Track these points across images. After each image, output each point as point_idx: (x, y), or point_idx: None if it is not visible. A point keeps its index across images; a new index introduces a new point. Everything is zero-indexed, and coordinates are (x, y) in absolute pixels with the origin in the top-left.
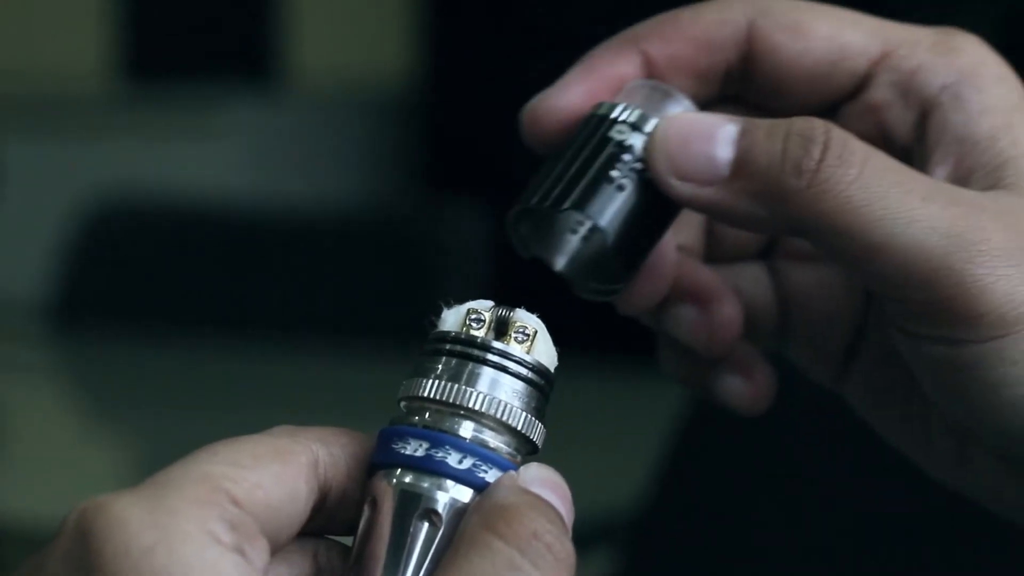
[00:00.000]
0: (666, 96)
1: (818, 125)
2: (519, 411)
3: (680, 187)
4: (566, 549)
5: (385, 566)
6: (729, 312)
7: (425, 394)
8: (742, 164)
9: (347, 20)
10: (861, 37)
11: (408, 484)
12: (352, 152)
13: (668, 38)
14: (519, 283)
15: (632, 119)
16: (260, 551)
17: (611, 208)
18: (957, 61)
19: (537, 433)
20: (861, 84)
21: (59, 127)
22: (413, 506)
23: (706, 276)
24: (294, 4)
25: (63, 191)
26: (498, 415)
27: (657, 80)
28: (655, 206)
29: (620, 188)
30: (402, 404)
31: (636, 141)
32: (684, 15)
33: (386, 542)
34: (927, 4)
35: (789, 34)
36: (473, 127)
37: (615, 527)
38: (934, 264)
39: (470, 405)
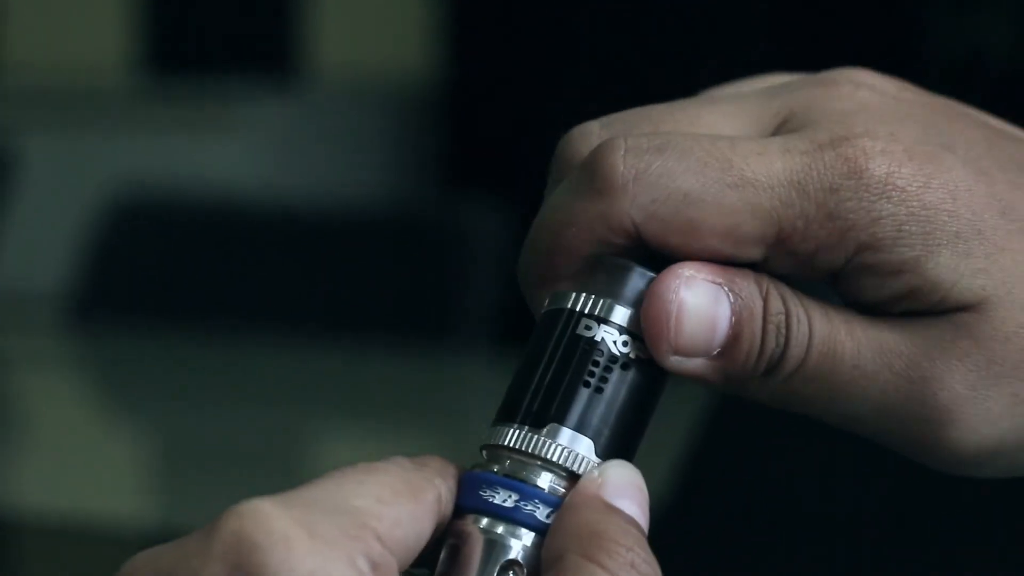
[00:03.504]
0: (627, 272)
1: (782, 308)
2: (588, 462)
3: (672, 361)
4: (657, 573)
5: None
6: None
7: (506, 443)
8: (730, 346)
9: (367, 15)
10: (757, 226)
11: (498, 535)
12: (372, 147)
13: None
14: None
15: (600, 312)
16: None
17: (590, 413)
18: (851, 235)
19: None
20: (765, 261)
21: (79, 120)
22: (499, 555)
23: None
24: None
25: (83, 184)
26: (573, 467)
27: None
28: (640, 389)
29: (598, 391)
30: (484, 452)
31: (606, 335)
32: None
33: None
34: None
35: (682, 238)
36: (493, 122)
37: None
38: (875, 432)
39: (548, 457)
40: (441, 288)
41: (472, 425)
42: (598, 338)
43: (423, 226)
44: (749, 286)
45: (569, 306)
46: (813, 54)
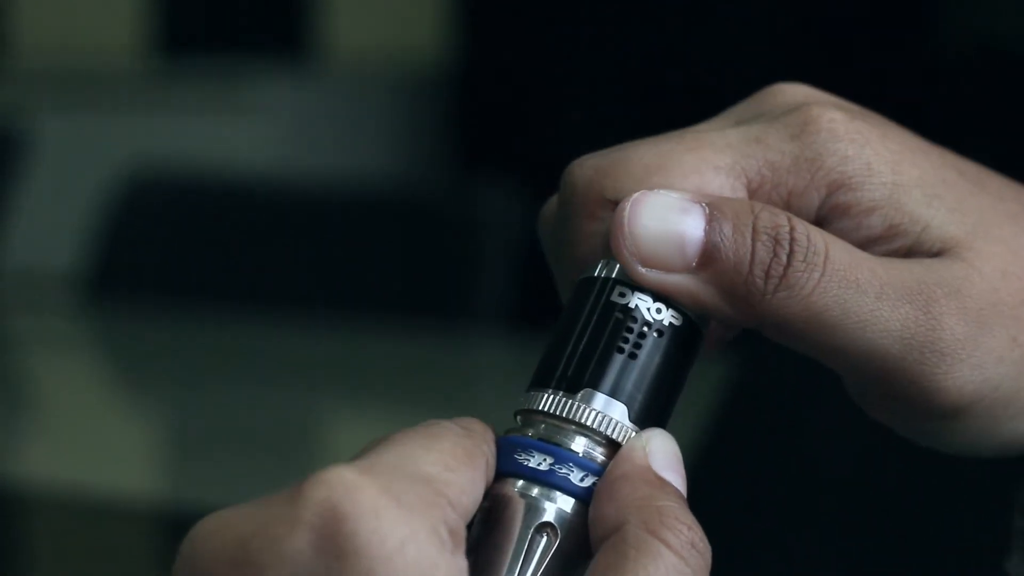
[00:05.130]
0: None
1: (783, 222)
2: (624, 427)
3: (646, 275)
4: (709, 550)
5: (507, 570)
6: None
7: (541, 408)
8: (709, 256)
9: None
10: (723, 181)
11: (532, 497)
12: (385, 129)
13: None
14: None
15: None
16: (463, 554)
17: (624, 379)
18: (821, 174)
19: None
20: None
21: (93, 101)
22: (533, 518)
23: None
24: None
25: (96, 165)
26: (608, 432)
27: None
28: (673, 357)
29: (632, 356)
30: (518, 417)
31: (640, 302)
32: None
33: (505, 549)
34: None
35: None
36: (506, 104)
37: None
38: (889, 364)
39: (583, 421)
40: (454, 270)
41: (486, 407)
42: (632, 305)
43: (436, 208)
44: (732, 202)
45: (602, 274)
46: (825, 46)
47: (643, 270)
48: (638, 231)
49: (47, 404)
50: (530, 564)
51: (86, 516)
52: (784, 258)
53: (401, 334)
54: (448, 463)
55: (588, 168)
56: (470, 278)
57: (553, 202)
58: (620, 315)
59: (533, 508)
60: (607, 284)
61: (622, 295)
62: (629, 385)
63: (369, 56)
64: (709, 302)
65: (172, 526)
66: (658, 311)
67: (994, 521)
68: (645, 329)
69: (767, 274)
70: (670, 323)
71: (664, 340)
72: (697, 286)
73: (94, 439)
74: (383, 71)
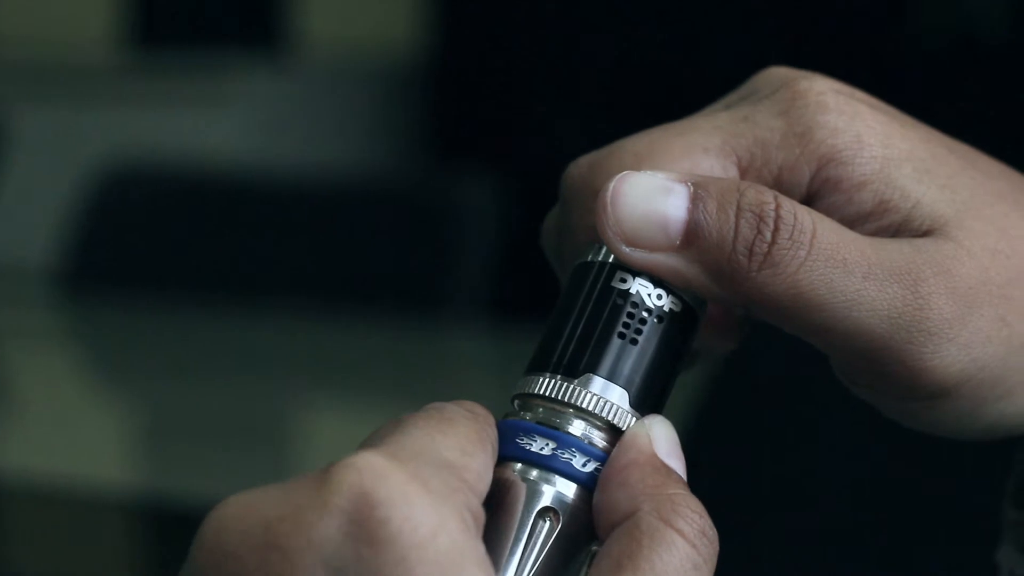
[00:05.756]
0: None
1: (769, 199)
2: (624, 412)
3: (631, 255)
4: (717, 538)
5: (509, 554)
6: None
7: (540, 391)
8: (693, 234)
9: None
10: (714, 163)
11: (534, 482)
12: (361, 121)
13: None
14: (526, 251)
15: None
16: (482, 540)
17: (625, 364)
18: (811, 148)
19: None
20: None
21: (68, 94)
22: (535, 502)
23: None
24: None
25: (72, 157)
26: (608, 417)
27: None
28: (672, 343)
29: (633, 342)
30: (515, 401)
31: (641, 288)
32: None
33: (508, 534)
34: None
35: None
36: (483, 95)
37: None
38: (875, 344)
39: (583, 405)
40: (431, 260)
41: (464, 396)
42: (633, 290)
43: (414, 200)
44: (718, 181)
45: (601, 259)
46: (803, 37)
47: (627, 250)
48: (620, 211)
49: (22, 396)
50: (533, 548)
51: (61, 507)
52: (768, 236)
53: (378, 324)
54: (465, 447)
55: (583, 165)
56: (447, 268)
57: (554, 213)
58: (620, 301)
59: (535, 492)
60: (604, 269)
61: (623, 280)
62: (628, 370)
63: (344, 48)
64: (695, 281)
65: (147, 517)
66: (659, 297)
67: (985, 512)
68: (645, 315)
69: (751, 252)
70: (670, 309)
71: (664, 326)
72: (682, 265)
73: (70, 431)
74: (358, 63)
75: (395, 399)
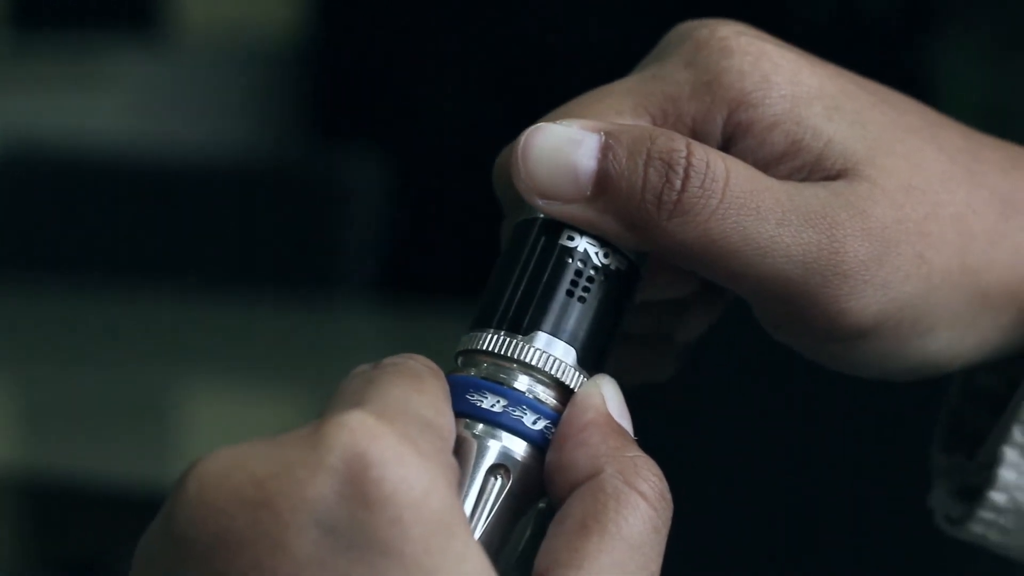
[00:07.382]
0: None
1: (680, 147)
2: (571, 369)
3: (546, 206)
4: (671, 502)
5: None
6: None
7: (484, 347)
8: (603, 184)
9: None
10: (628, 118)
11: (484, 439)
12: (243, 101)
13: None
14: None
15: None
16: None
17: (571, 322)
18: (720, 94)
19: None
20: None
21: None
22: (485, 459)
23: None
24: None
25: None
26: (553, 372)
27: None
28: (617, 301)
29: (581, 300)
30: (459, 358)
31: (589, 246)
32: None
33: (459, 490)
34: None
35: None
36: (363, 74)
37: None
38: (791, 289)
39: (529, 361)
40: (317, 239)
41: None
42: (581, 248)
43: (297, 180)
44: (631, 129)
45: (535, 214)
46: (683, 8)
47: (542, 202)
48: (531, 164)
49: None
50: (484, 505)
51: None
52: (678, 184)
53: (264, 304)
54: (438, 406)
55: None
56: (331, 248)
57: (505, 153)
58: (568, 258)
59: (484, 449)
60: (548, 226)
61: (570, 238)
62: (574, 327)
63: (224, 29)
64: (608, 230)
65: (24, 495)
66: (605, 255)
67: (919, 457)
68: (592, 273)
69: (660, 200)
70: (616, 267)
71: (610, 284)
72: (594, 215)
73: None
74: (238, 44)
75: (281, 379)
